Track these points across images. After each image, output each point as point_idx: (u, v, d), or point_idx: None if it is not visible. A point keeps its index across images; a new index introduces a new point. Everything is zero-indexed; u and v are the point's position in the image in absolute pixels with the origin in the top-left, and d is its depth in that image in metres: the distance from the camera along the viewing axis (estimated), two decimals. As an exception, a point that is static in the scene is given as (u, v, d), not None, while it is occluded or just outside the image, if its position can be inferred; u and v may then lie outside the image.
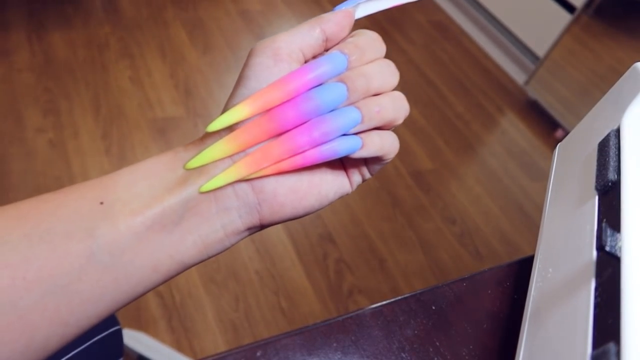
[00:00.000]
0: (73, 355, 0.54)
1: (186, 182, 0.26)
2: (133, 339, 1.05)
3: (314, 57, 0.29)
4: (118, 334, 0.62)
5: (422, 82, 1.98)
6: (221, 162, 0.27)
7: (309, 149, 0.27)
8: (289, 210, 0.28)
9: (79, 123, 1.45)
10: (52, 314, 0.24)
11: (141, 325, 1.10)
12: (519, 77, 2.13)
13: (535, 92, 1.98)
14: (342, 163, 0.31)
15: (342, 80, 0.27)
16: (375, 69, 0.28)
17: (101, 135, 1.43)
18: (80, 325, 0.25)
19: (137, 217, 0.25)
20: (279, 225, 1.35)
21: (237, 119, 0.26)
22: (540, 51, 1.96)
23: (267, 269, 1.26)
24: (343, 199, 1.46)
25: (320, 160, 0.27)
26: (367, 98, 0.28)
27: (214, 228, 0.27)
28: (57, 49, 1.64)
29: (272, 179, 0.27)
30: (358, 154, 0.28)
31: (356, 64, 0.28)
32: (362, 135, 0.28)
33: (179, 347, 1.08)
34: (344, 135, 0.27)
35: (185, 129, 1.52)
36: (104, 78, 1.60)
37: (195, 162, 0.27)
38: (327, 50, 0.29)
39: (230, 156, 0.27)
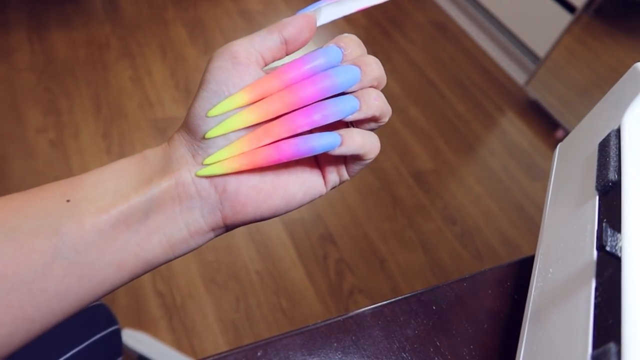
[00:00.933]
0: (71, 355, 0.54)
1: (151, 182, 0.27)
2: (134, 338, 1.05)
3: (274, 60, 0.30)
4: (117, 334, 0.62)
5: (422, 82, 1.98)
6: (182, 157, 0.28)
7: (307, 130, 0.27)
8: (251, 210, 0.28)
9: (79, 123, 1.45)
10: (16, 310, 0.24)
11: (142, 325, 1.10)
12: (519, 77, 2.13)
13: (535, 92, 1.98)
14: (318, 162, 0.31)
15: (356, 64, 0.28)
16: (374, 60, 0.29)
17: (102, 134, 1.43)
18: (45, 322, 0.26)
19: (103, 215, 0.26)
20: (279, 226, 1.35)
21: (237, 105, 0.27)
22: (541, 51, 1.96)
23: (268, 269, 1.26)
24: (344, 199, 1.46)
25: (297, 155, 0.27)
26: (367, 88, 0.29)
27: (178, 227, 0.28)
28: (57, 49, 1.64)
29: (234, 179, 0.28)
30: (337, 151, 0.28)
31: (351, 57, 0.29)
32: (342, 132, 0.28)
33: (179, 347, 1.08)
34: (325, 132, 0.28)
35: (185, 128, 1.52)
36: (104, 78, 1.60)
37: (216, 131, 0.27)
38: (288, 53, 0.30)
39: (249, 127, 0.27)
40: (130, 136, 1.45)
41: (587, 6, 1.75)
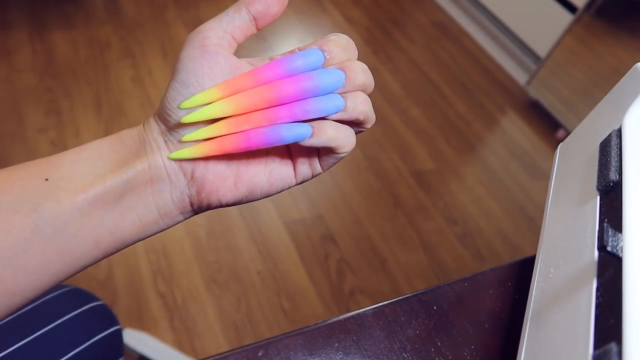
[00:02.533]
0: (73, 355, 0.54)
1: (127, 164, 0.28)
2: (135, 338, 1.05)
3: (246, 37, 0.30)
4: (118, 334, 0.62)
5: (423, 82, 1.98)
6: (155, 142, 0.28)
7: (287, 121, 0.27)
8: (215, 197, 0.29)
9: (80, 122, 1.45)
10: None
11: (143, 325, 1.10)
12: (520, 77, 2.13)
13: (536, 92, 1.98)
14: (290, 153, 0.31)
15: (342, 68, 0.28)
16: (360, 66, 0.29)
17: (103, 134, 1.43)
18: (25, 296, 0.27)
19: (80, 194, 0.27)
20: (280, 226, 1.35)
21: (208, 100, 0.27)
22: (542, 51, 1.95)
23: (269, 270, 1.26)
24: (345, 200, 1.46)
25: (266, 144, 0.27)
26: (356, 90, 0.29)
27: (149, 209, 0.29)
28: (58, 49, 1.64)
29: (202, 166, 0.29)
30: (308, 142, 0.27)
31: (334, 61, 0.28)
32: (314, 123, 0.28)
33: (180, 347, 1.08)
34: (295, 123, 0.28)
35: (186, 128, 1.52)
36: (105, 77, 1.60)
37: (191, 118, 0.27)
38: (259, 29, 0.30)
39: (227, 117, 0.27)
40: (131, 136, 1.45)
41: (588, 6, 1.75)
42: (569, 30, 1.82)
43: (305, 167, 0.31)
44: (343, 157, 0.30)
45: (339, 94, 0.28)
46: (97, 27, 1.77)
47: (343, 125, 0.29)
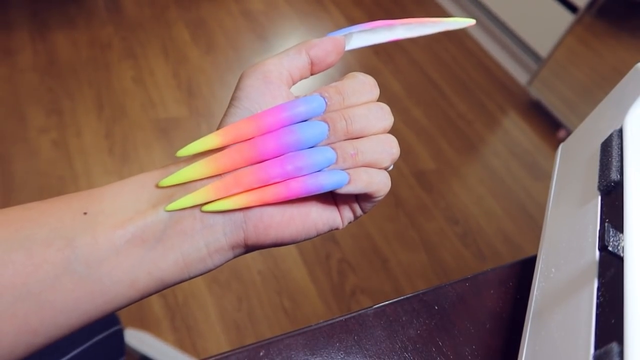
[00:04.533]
0: (74, 356, 0.54)
1: (171, 198, 0.26)
2: (136, 338, 1.05)
3: (301, 79, 0.30)
4: (119, 334, 0.62)
5: (424, 82, 1.98)
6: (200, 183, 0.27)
7: (280, 181, 0.27)
8: (273, 232, 0.28)
9: (81, 123, 1.45)
10: (21, 321, 0.24)
11: (144, 324, 1.10)
12: (521, 77, 2.13)
13: (537, 92, 1.98)
14: (334, 198, 0.31)
15: (324, 120, 0.28)
16: (361, 112, 0.28)
17: (104, 135, 1.44)
18: (49, 336, 0.25)
19: (118, 230, 0.25)
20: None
21: (207, 148, 0.27)
22: (543, 51, 1.95)
23: (270, 269, 1.26)
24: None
25: (304, 193, 0.27)
26: (346, 140, 0.28)
27: (197, 246, 0.27)
28: (60, 49, 1.65)
29: None
30: (344, 190, 0.27)
31: (335, 107, 0.28)
32: (350, 171, 0.28)
33: (181, 346, 1.08)
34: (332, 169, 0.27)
35: (187, 129, 1.52)
36: (106, 78, 1.60)
37: (169, 180, 0.27)
38: (313, 74, 0.30)
39: (205, 178, 0.27)
40: (132, 136, 1.45)
41: (589, 6, 1.75)
42: (570, 31, 1.82)
43: (347, 211, 0.31)
44: (380, 200, 0.30)
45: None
46: (99, 27, 1.77)
47: (378, 170, 0.29)
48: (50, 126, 1.42)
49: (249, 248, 0.29)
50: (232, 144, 0.27)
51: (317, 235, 0.30)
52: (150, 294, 0.27)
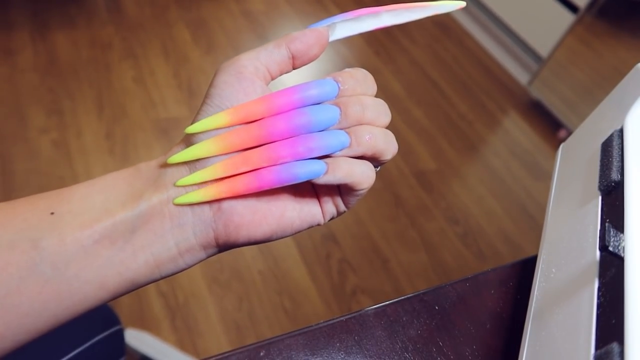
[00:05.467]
0: (74, 355, 0.54)
1: (141, 197, 0.26)
2: (136, 338, 1.05)
3: (282, 73, 0.29)
4: (119, 334, 0.62)
5: (425, 82, 1.98)
6: (178, 171, 0.27)
7: (289, 161, 0.26)
8: (244, 232, 0.27)
9: (82, 123, 1.45)
10: None
11: (144, 324, 1.10)
12: (522, 77, 2.13)
13: (538, 93, 1.98)
14: (315, 191, 0.30)
15: (337, 104, 0.27)
16: (371, 102, 0.28)
17: (104, 135, 1.44)
18: (17, 340, 0.24)
19: (85, 230, 0.24)
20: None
21: (217, 126, 0.26)
22: (544, 51, 1.95)
23: (270, 269, 1.26)
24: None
25: (278, 183, 0.26)
26: (359, 125, 0.27)
27: (167, 246, 0.26)
28: (60, 49, 1.65)
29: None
30: (323, 180, 0.26)
31: (348, 93, 0.28)
32: (328, 160, 0.26)
33: (182, 346, 1.08)
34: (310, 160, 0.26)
35: (188, 129, 1.52)
36: (107, 78, 1.60)
37: (178, 157, 0.26)
38: (295, 68, 0.29)
39: (213, 156, 0.26)
40: (133, 136, 1.45)
41: (590, 6, 1.74)
42: (571, 31, 1.82)
43: (329, 205, 0.30)
44: (363, 194, 0.29)
45: (346, 129, 0.27)
46: (99, 27, 1.77)
47: (359, 160, 0.27)
48: (51, 126, 1.42)
49: (221, 248, 0.28)
50: (241, 124, 0.27)
51: (296, 233, 0.29)
52: (121, 294, 0.27)
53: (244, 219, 0.27)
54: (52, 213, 0.25)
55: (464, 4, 0.33)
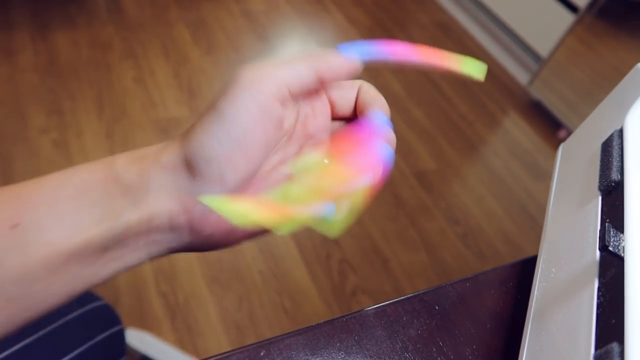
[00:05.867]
0: (75, 355, 0.54)
1: (119, 216, 0.23)
2: (136, 338, 1.05)
3: (300, 97, 0.28)
4: (120, 334, 0.62)
5: (425, 82, 1.98)
6: (163, 179, 0.25)
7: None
8: (213, 242, 0.27)
9: (82, 123, 1.45)
10: None
11: (145, 324, 1.10)
12: (522, 77, 2.13)
13: (538, 93, 1.98)
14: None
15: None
16: None
17: (105, 135, 1.44)
18: None
19: (54, 250, 0.22)
20: (281, 225, 1.35)
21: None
22: (544, 52, 1.95)
23: (271, 269, 1.26)
24: (346, 199, 1.46)
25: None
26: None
27: (139, 257, 0.25)
28: (60, 49, 1.65)
29: (203, 208, 0.25)
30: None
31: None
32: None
33: (182, 346, 1.08)
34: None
35: (188, 129, 1.52)
36: (107, 78, 1.60)
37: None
38: (318, 92, 0.29)
39: (316, 202, 0.25)
40: (133, 136, 1.45)
41: (590, 6, 1.74)
42: (571, 31, 1.82)
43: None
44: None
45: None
46: (99, 27, 1.77)
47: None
48: (51, 126, 1.42)
49: (188, 251, 0.28)
50: None
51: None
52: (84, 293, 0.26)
53: (213, 238, 0.26)
54: (15, 225, 0.22)
55: (483, 77, 0.32)
